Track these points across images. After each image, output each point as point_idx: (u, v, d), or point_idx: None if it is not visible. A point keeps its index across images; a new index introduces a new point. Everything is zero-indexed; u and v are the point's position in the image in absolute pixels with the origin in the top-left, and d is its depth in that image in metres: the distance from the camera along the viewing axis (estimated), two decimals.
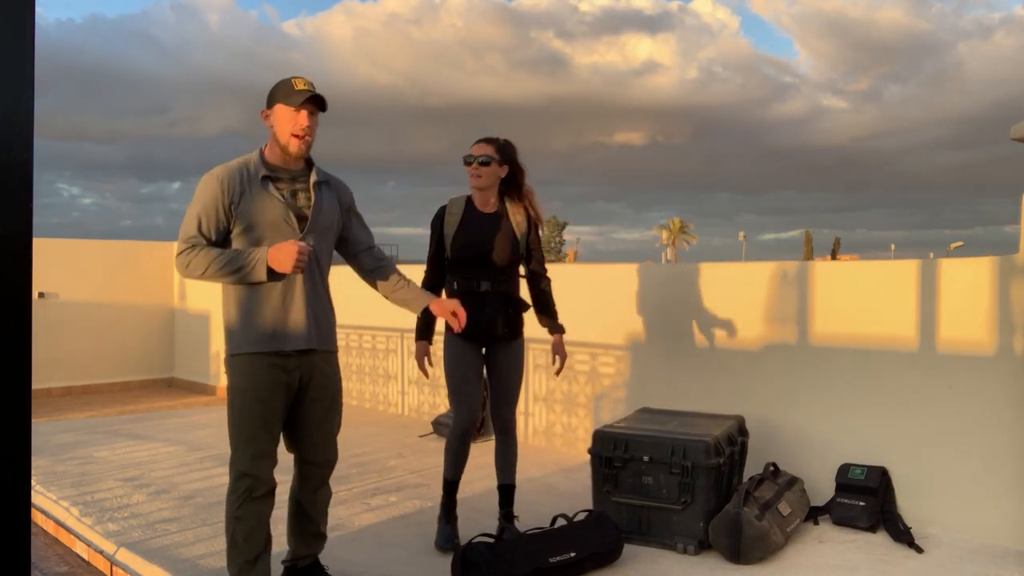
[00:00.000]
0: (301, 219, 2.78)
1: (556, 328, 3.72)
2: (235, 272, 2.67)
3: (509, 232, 3.56)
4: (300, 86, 2.74)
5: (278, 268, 2.65)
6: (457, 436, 3.55)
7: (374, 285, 3.09)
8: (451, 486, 3.63)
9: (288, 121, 2.73)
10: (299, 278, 2.77)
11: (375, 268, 3.07)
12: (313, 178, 2.84)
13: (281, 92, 2.76)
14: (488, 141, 3.56)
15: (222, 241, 2.74)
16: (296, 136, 2.74)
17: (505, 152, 3.57)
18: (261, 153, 2.81)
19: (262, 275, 2.67)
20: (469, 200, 3.60)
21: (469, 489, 4.35)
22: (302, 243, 2.67)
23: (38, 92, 1.17)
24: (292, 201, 2.77)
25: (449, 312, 3.02)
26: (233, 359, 2.76)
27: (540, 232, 3.70)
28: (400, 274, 3.09)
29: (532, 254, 3.67)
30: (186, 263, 2.69)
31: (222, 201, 2.69)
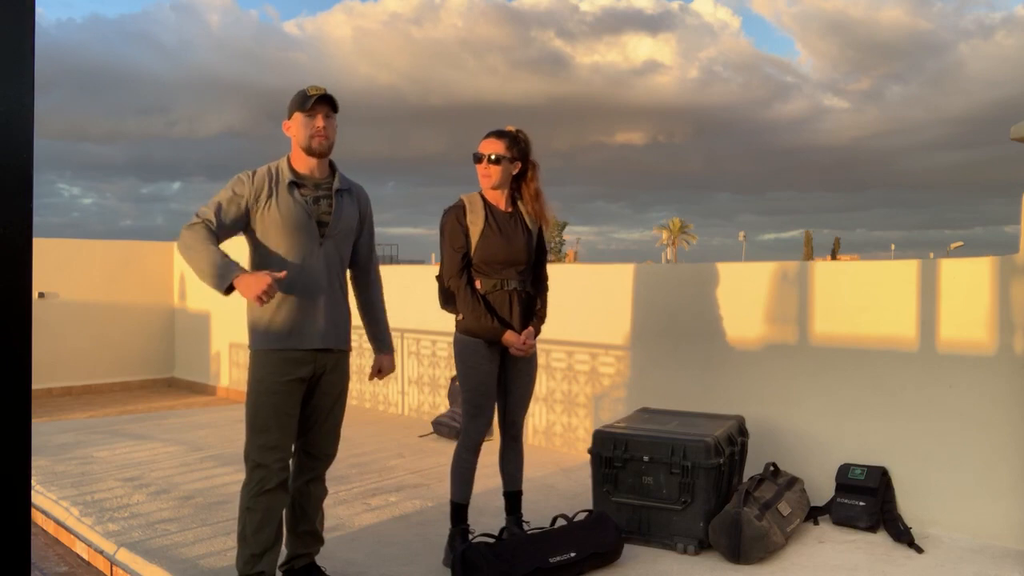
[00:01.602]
0: (321, 225, 2.90)
1: (535, 323, 3.48)
2: (201, 271, 2.72)
3: (527, 231, 3.42)
4: (312, 92, 2.87)
5: (244, 294, 2.65)
6: (471, 450, 3.35)
7: (355, 293, 3.21)
8: (462, 511, 3.37)
9: (306, 126, 2.86)
10: (322, 281, 2.89)
11: (361, 287, 3.18)
12: (335, 185, 2.96)
13: (296, 101, 2.90)
14: (499, 136, 3.33)
15: (229, 229, 2.83)
16: (316, 136, 2.86)
17: (517, 147, 3.34)
18: (288, 160, 2.93)
19: (220, 288, 2.68)
20: (484, 198, 3.36)
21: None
22: (274, 278, 2.65)
23: (38, 92, 1.17)
24: (314, 207, 2.89)
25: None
26: (254, 354, 2.88)
27: (545, 234, 3.57)
28: (380, 310, 3.19)
29: (540, 256, 3.51)
30: (184, 235, 2.77)
31: (246, 198, 2.83)
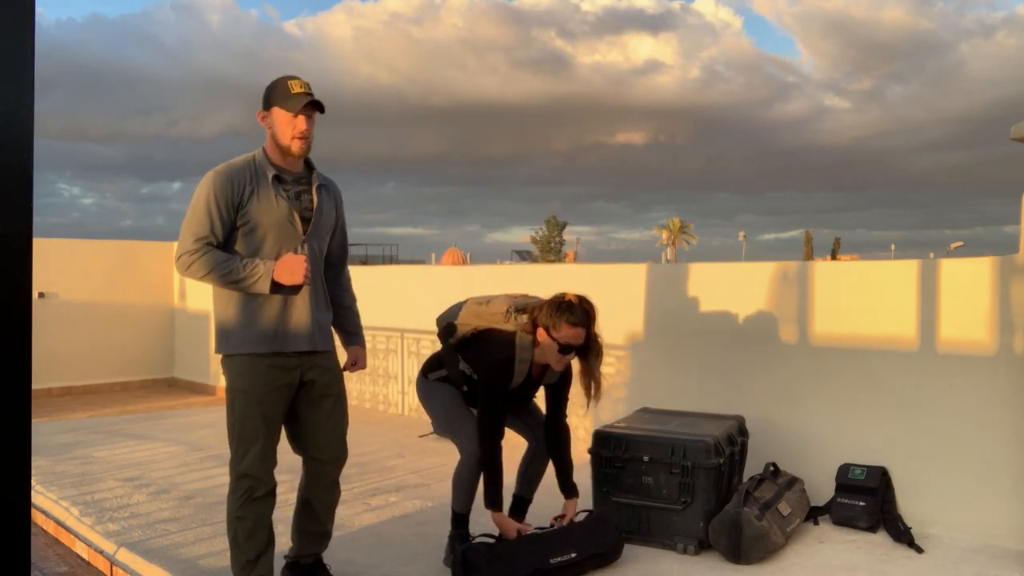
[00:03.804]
0: (304, 221, 2.79)
1: (572, 492, 3.42)
2: (237, 282, 2.66)
3: (537, 385, 3.43)
4: (297, 89, 2.72)
5: (287, 281, 2.67)
6: (471, 467, 3.30)
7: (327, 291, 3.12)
8: (464, 519, 3.38)
9: (287, 125, 2.73)
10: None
11: (335, 286, 3.08)
12: (315, 181, 2.87)
13: (278, 95, 2.74)
14: (586, 324, 3.17)
15: (227, 239, 2.72)
16: (296, 139, 2.74)
17: (592, 329, 3.21)
18: (264, 153, 2.79)
19: (265, 289, 2.67)
20: (532, 361, 3.26)
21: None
22: (304, 256, 2.71)
23: (38, 92, 1.17)
24: (296, 202, 2.79)
25: (513, 530, 3.23)
26: (231, 359, 2.74)
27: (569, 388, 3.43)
28: (354, 308, 3.14)
29: (560, 408, 3.42)
30: (188, 264, 2.66)
31: (231, 200, 2.68)
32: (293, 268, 2.67)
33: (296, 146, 2.74)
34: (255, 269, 2.66)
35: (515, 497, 3.56)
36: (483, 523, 3.71)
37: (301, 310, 2.77)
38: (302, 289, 2.77)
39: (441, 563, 3.34)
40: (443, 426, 3.38)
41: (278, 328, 2.73)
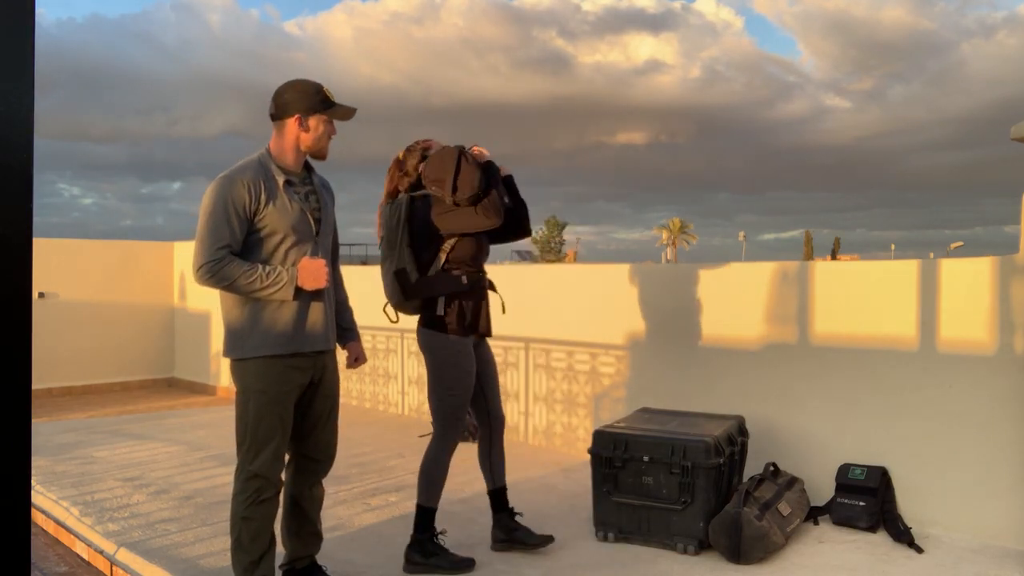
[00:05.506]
0: (315, 221, 2.83)
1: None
2: (260, 290, 2.65)
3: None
4: (333, 97, 2.81)
5: (311, 286, 2.70)
6: (450, 453, 3.33)
7: None
8: (434, 516, 3.34)
9: (326, 132, 2.81)
10: None
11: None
12: (316, 180, 2.92)
13: (320, 102, 2.77)
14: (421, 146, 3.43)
15: (242, 244, 2.70)
16: (328, 143, 2.84)
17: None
18: (271, 155, 2.79)
19: (288, 296, 2.68)
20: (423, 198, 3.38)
21: (469, 488, 4.35)
22: (325, 260, 2.77)
23: (38, 92, 1.17)
24: (307, 204, 2.82)
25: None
26: (245, 363, 2.73)
27: None
28: (348, 309, 3.15)
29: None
30: (212, 273, 2.60)
31: (249, 206, 2.66)
32: (316, 274, 2.70)
33: (327, 150, 2.84)
34: (279, 277, 2.66)
35: (490, 493, 3.54)
36: (483, 522, 3.71)
37: (317, 310, 2.79)
38: (318, 293, 2.79)
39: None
40: (453, 399, 3.28)
41: (297, 329, 2.74)
